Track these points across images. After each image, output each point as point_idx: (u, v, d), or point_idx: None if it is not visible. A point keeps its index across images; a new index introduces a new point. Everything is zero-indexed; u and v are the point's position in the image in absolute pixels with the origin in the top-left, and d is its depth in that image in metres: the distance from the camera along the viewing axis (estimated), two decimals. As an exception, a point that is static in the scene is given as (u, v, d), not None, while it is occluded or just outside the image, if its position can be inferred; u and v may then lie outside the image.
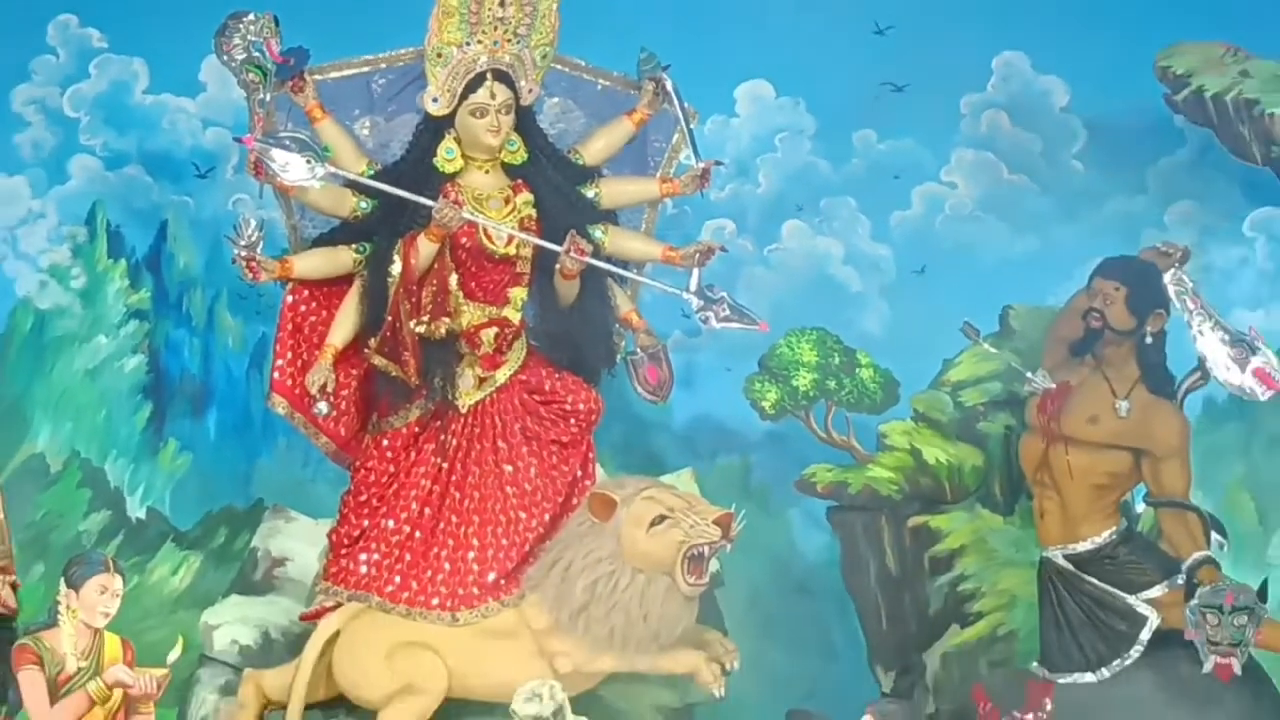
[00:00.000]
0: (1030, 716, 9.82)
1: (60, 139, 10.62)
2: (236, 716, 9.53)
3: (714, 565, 9.55)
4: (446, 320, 9.65)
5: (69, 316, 10.59)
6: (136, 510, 10.32)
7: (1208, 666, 9.57)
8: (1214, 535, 10.05)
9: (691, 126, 9.92)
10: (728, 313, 9.66)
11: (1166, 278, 10.08)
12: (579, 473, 9.89)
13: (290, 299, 9.80)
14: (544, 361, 9.87)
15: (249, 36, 9.76)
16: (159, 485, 10.35)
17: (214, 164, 10.52)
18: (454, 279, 9.65)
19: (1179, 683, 9.76)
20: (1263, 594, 9.71)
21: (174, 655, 8.65)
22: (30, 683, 8.47)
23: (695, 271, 9.67)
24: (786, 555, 10.57)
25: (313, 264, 9.80)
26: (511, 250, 9.66)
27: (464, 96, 9.51)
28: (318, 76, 9.74)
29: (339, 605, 9.60)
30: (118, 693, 8.43)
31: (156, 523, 10.35)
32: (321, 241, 9.85)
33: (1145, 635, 9.94)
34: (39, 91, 10.61)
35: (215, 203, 10.46)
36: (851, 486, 10.42)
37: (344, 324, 9.69)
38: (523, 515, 9.78)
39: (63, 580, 8.66)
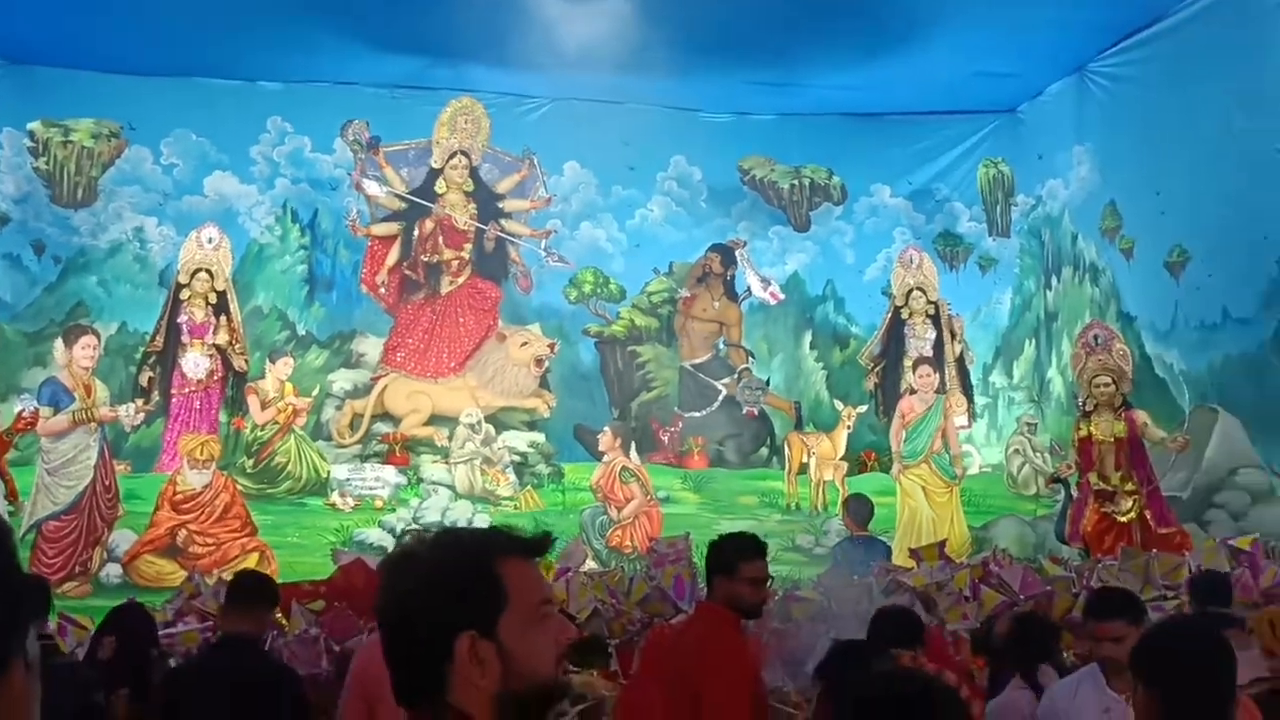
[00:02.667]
0: (671, 429, 10.08)
1: (270, 170, 10.13)
2: (341, 420, 9.43)
3: (547, 364, 9.60)
4: (437, 255, 9.55)
5: (273, 247, 10.15)
6: (300, 331, 10.01)
7: (744, 411, 9.92)
8: (750, 358, 10.35)
9: (545, 180, 9.94)
10: (558, 259, 9.77)
11: (737, 252, 10.32)
12: (492, 322, 9.85)
13: (369, 243, 9.70)
14: (478, 274, 9.81)
15: (356, 129, 9.67)
16: (310, 320, 10.01)
17: (338, 184, 10.16)
18: (440, 238, 9.54)
19: (732, 416, 10.08)
20: (768, 382, 10.07)
21: (315, 392, 8.55)
22: (253, 402, 8.34)
23: (544, 241, 9.75)
24: (577, 361, 10.52)
25: (381, 229, 9.71)
26: (466, 227, 9.55)
27: (448, 160, 9.40)
28: (385, 148, 9.62)
29: (387, 374, 9.53)
30: (289, 408, 8.31)
31: (309, 336, 10.01)
32: (385, 219, 9.70)
33: (720, 397, 10.19)
34: (263, 149, 10.11)
35: (338, 201, 10.10)
36: (606, 333, 10.45)
37: (393, 254, 9.59)
38: (467, 340, 9.75)
39: (267, 359, 8.49)
